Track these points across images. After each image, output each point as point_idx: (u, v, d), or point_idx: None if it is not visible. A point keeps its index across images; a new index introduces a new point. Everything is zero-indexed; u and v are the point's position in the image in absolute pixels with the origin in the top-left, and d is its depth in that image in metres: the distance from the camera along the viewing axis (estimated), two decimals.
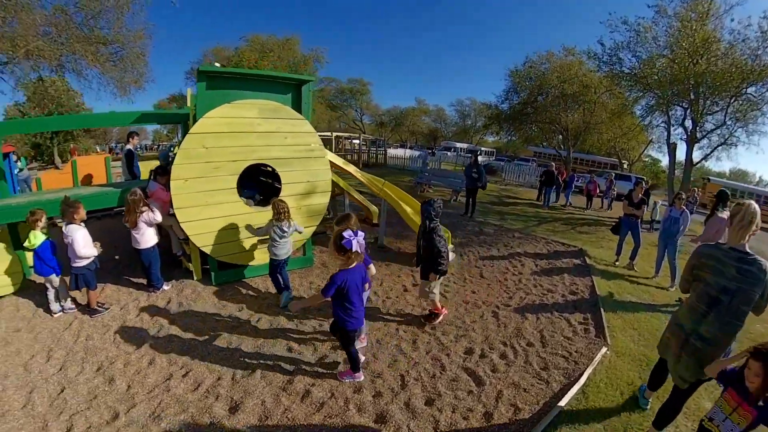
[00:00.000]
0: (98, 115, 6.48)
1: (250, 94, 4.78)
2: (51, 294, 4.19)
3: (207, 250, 4.74)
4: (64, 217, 4.05)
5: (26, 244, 4.07)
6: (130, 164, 7.14)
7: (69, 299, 4.33)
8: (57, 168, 17.03)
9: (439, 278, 4.04)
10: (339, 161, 6.64)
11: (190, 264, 5.13)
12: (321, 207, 5.59)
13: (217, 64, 5.42)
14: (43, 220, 4.14)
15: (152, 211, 4.49)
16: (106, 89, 10.82)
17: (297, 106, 5.16)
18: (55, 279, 4.16)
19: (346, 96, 39.41)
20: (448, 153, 28.59)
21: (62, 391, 3.02)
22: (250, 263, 5.16)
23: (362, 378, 3.21)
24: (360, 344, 3.66)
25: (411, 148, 36.75)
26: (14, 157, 8.91)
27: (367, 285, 3.21)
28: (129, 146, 7.53)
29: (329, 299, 2.89)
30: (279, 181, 5.13)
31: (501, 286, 5.42)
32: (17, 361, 3.38)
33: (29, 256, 4.63)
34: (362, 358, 3.39)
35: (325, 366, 3.39)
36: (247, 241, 5.01)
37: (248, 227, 4.83)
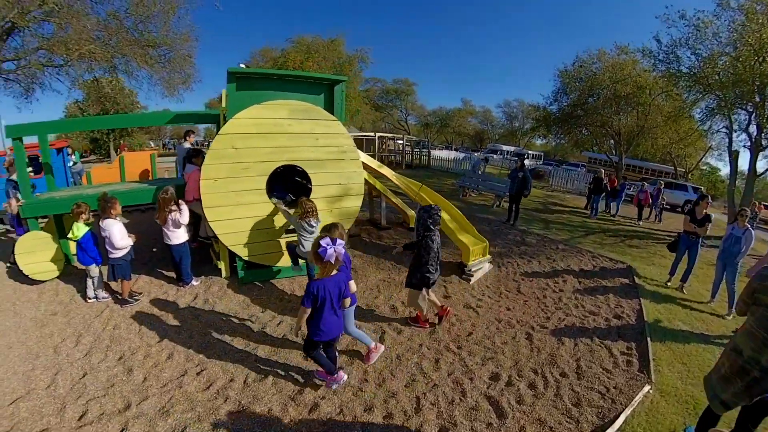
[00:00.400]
0: (135, 115, 6.85)
1: (282, 94, 4.76)
2: (89, 282, 4.44)
3: (236, 249, 4.78)
4: (102, 212, 4.22)
5: (70, 234, 4.33)
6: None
7: (103, 288, 4.54)
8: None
9: (425, 290, 3.94)
10: (374, 163, 6.54)
11: (220, 261, 5.21)
12: (353, 210, 5.47)
13: (242, 65, 5.42)
14: (88, 212, 4.37)
15: (180, 212, 4.57)
16: (155, 89, 11.48)
17: (330, 106, 5.08)
18: (95, 269, 4.39)
19: (391, 96, 39.16)
20: (494, 156, 27.71)
21: (84, 376, 3.16)
22: (278, 264, 5.14)
23: (345, 378, 3.15)
24: (375, 355, 3.50)
25: (456, 149, 35.83)
26: (69, 151, 9.64)
27: (348, 300, 3.00)
28: (187, 144, 7.75)
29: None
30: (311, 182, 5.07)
31: (539, 304, 4.99)
32: (49, 343, 3.60)
33: (72, 244, 4.90)
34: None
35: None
36: (276, 242, 5.01)
37: (284, 212, 4.77)
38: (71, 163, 9.54)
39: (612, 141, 20.74)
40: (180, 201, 4.66)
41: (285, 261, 5.09)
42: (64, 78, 10.20)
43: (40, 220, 5.01)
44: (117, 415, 2.75)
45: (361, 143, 21.19)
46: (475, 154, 28.75)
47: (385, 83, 38.21)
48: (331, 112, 5.07)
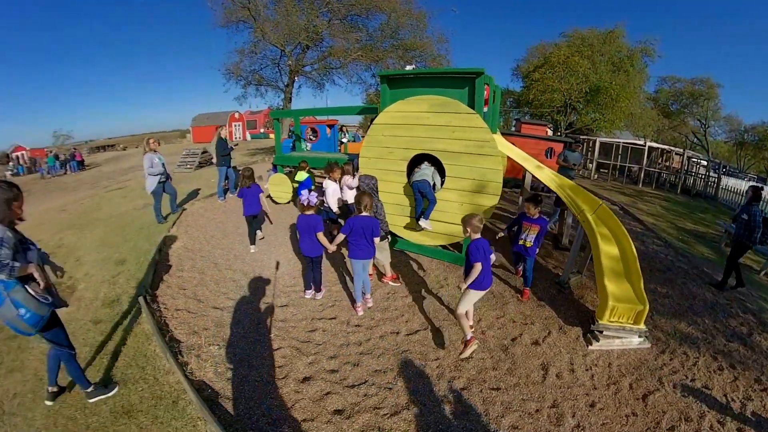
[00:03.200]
0: (335, 108, 9.09)
1: (428, 90, 5.25)
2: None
3: None
4: (326, 173, 6.24)
5: (297, 177, 6.98)
6: None
7: None
8: None
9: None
10: (528, 165, 5.65)
11: None
12: (485, 208, 5.14)
13: (410, 67, 5.90)
14: (306, 167, 6.68)
15: (352, 177, 6.00)
16: None
17: (473, 100, 5.09)
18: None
19: (684, 100, 28.98)
20: None
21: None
22: (410, 239, 5.77)
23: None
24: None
25: None
26: (343, 130, 13.70)
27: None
28: None
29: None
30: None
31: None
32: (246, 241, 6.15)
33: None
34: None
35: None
36: (404, 218, 5.71)
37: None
38: (341, 137, 13.78)
39: None
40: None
41: (417, 239, 5.68)
42: (341, 76, 14.80)
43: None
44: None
45: (626, 151, 17.56)
46: None
47: (686, 82, 28.03)
48: (474, 105, 5.04)
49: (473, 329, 3.94)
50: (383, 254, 4.78)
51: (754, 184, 15.01)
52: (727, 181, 14.99)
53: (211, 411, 2.86)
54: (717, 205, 13.47)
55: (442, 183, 5.42)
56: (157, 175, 6.76)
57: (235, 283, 4.98)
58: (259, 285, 4.91)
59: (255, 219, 5.91)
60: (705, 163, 17.75)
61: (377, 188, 4.82)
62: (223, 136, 7.90)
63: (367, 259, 4.17)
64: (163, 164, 6.87)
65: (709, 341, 4.30)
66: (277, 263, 5.52)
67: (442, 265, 5.60)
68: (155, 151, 6.84)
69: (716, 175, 14.98)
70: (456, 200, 5.29)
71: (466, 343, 3.69)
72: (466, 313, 3.82)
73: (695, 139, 32.91)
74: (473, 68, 4.93)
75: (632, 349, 3.98)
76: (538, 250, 4.72)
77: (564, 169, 7.64)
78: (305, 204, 4.15)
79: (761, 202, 8.94)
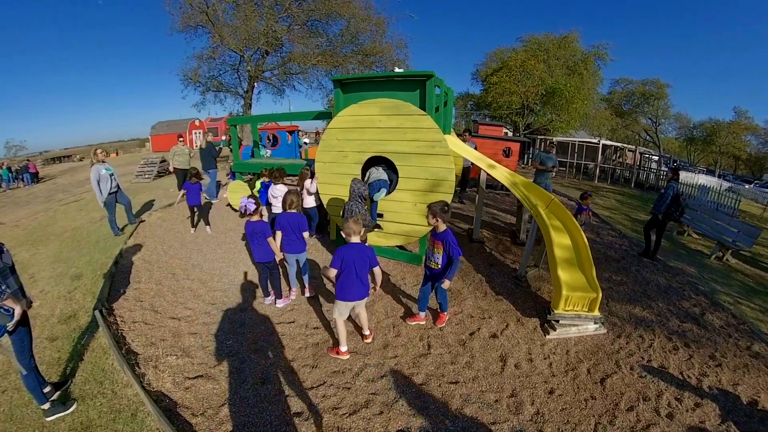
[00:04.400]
0: (293, 113, 9.19)
1: (380, 93, 5.38)
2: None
3: (334, 218, 6.05)
4: (273, 179, 6.26)
5: (256, 186, 6.88)
6: None
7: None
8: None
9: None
10: (482, 163, 5.91)
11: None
12: None
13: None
14: (265, 174, 6.67)
15: (312, 183, 6.07)
16: None
17: (423, 102, 5.24)
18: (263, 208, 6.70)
19: (636, 100, 31.07)
20: None
21: (215, 262, 5.37)
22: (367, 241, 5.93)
23: (282, 302, 4.60)
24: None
25: (720, 176, 24.96)
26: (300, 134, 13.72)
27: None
28: None
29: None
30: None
31: (605, 413, 3.11)
32: (212, 242, 6.29)
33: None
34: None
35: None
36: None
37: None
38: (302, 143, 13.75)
39: None
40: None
41: (370, 240, 5.79)
42: (302, 81, 14.96)
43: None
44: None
45: (581, 150, 18.47)
46: (747, 186, 19.86)
47: (638, 84, 30.21)
48: (425, 107, 5.18)
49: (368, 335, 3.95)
50: None
51: (673, 166, 16.33)
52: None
53: (169, 421, 2.84)
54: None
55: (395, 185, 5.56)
56: (106, 188, 6.64)
57: (192, 292, 4.91)
58: (216, 293, 4.87)
59: (199, 209, 7.03)
60: (656, 158, 19.09)
61: (363, 195, 4.94)
62: (210, 141, 8.60)
63: (299, 253, 4.49)
64: (110, 175, 6.69)
65: (664, 323, 4.48)
66: (245, 273, 5.44)
67: (399, 265, 5.72)
68: (103, 162, 6.67)
69: (667, 169, 16.12)
70: (410, 200, 5.40)
71: (336, 350, 3.69)
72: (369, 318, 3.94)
73: (647, 137, 35.16)
74: (423, 71, 5.08)
75: (589, 336, 4.14)
76: (449, 281, 3.74)
77: (541, 173, 7.92)
78: (243, 212, 4.24)
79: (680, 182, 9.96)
